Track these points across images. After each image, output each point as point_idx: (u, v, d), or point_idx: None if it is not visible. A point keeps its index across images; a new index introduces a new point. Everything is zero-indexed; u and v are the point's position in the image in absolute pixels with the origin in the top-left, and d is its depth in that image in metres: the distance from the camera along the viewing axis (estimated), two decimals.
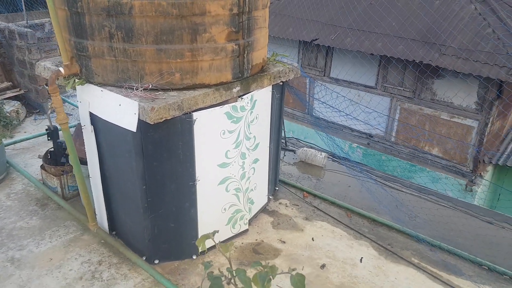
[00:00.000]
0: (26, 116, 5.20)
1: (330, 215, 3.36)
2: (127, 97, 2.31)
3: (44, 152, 3.70)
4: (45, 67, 2.95)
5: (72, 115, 5.37)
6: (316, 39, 6.81)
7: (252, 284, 1.30)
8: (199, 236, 2.78)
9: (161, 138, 2.40)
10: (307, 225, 3.24)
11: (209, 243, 2.93)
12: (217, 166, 2.64)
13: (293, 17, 7.35)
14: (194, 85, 2.46)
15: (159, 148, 2.43)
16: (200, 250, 1.42)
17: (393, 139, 7.07)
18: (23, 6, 6.10)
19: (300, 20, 7.05)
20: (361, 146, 7.19)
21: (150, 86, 2.34)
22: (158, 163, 2.46)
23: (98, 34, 2.35)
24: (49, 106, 2.62)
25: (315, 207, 3.48)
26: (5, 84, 5.31)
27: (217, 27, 2.35)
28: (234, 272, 1.30)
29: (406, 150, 6.92)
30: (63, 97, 5.75)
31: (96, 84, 2.51)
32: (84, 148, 2.86)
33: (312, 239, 3.06)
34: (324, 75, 7.67)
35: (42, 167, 3.54)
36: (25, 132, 4.81)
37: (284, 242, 3.03)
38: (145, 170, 2.45)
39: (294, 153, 4.40)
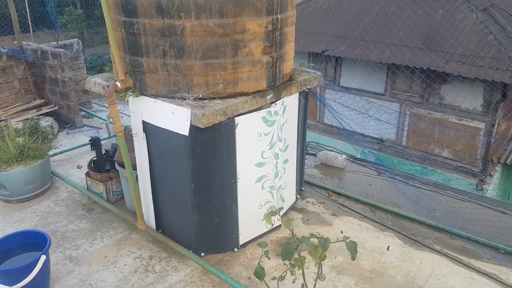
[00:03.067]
0: (58, 131, 5.55)
1: (355, 211, 3.65)
2: (179, 105, 2.65)
3: (88, 161, 4.03)
4: (96, 82, 3.30)
5: (101, 128, 5.73)
6: (326, 50, 7.20)
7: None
8: (239, 230, 3.08)
9: (208, 141, 2.73)
10: (335, 220, 3.53)
11: (247, 237, 3.25)
12: (254, 165, 2.97)
13: (303, 31, 7.75)
14: (235, 94, 2.79)
15: (206, 150, 2.75)
16: (269, 225, 1.72)
17: (404, 143, 7.38)
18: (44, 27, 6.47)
19: (310, 33, 7.46)
20: (373, 151, 7.50)
21: (200, 96, 2.68)
22: (205, 163, 2.78)
23: (153, 52, 2.70)
24: (108, 116, 2.96)
25: (340, 204, 3.78)
26: (39, 101, 5.68)
27: (255, 42, 2.70)
28: (300, 239, 1.60)
29: (417, 153, 7.22)
30: (91, 112, 6.13)
31: (149, 96, 2.85)
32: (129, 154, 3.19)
33: (341, 232, 3.35)
34: (334, 84, 8.04)
35: (87, 174, 3.87)
36: (60, 145, 5.14)
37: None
38: (194, 170, 2.77)
39: (315, 156, 4.71)
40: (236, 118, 2.73)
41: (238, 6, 2.56)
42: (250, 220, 3.13)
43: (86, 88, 3.42)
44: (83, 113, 6.04)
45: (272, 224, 3.21)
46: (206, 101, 2.69)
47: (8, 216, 3.70)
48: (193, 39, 2.61)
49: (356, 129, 6.86)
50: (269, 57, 2.81)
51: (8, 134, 3.96)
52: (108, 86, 3.21)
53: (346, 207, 3.73)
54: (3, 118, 5.20)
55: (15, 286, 2.54)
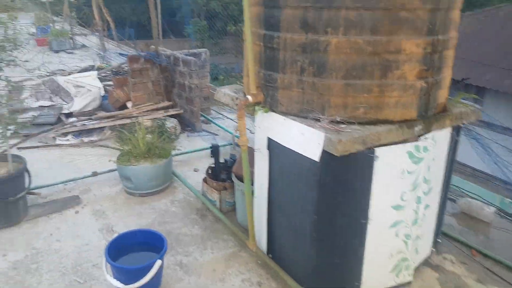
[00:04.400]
0: (180, 133, 5.79)
1: (509, 282, 2.98)
2: (312, 127, 2.41)
3: (205, 166, 4.06)
4: (225, 93, 3.26)
5: (217, 135, 5.83)
6: (467, 78, 6.37)
7: None
8: (362, 279, 2.70)
9: (339, 171, 2.44)
10: None
11: None
12: (391, 207, 2.58)
13: None
14: (376, 120, 2.46)
15: (336, 181, 2.46)
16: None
17: None
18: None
19: None
20: None
21: (337, 119, 2.41)
22: (333, 195, 2.49)
23: (290, 68, 2.52)
24: (235, 130, 2.86)
25: (487, 269, 3.11)
26: (167, 103, 6.02)
27: (409, 64, 2.34)
28: None
29: None
30: (210, 118, 6.30)
31: (279, 113, 2.68)
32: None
33: None
34: None
35: (204, 180, 3.88)
36: (181, 147, 5.33)
37: None
38: (318, 200, 2.50)
39: (454, 202, 4.06)
40: (376, 149, 2.39)
41: (394, 23, 2.24)
42: (377, 269, 2.73)
43: (215, 98, 3.41)
44: (203, 118, 6.23)
45: (402, 279, 2.78)
46: (343, 125, 2.41)
47: (130, 208, 3.88)
48: (337, 56, 2.35)
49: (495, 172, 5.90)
50: (424, 83, 2.41)
51: (140, 132, 4.19)
52: (236, 98, 3.15)
53: (496, 274, 3.06)
54: (135, 115, 5.60)
55: (129, 286, 2.56)
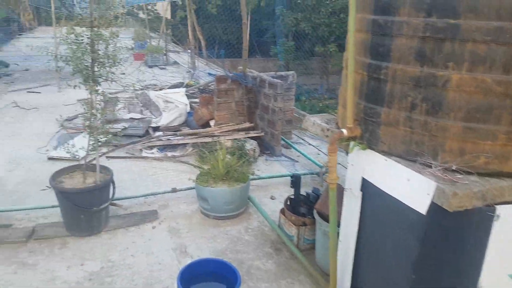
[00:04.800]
0: (259, 155, 5.68)
1: None
2: (421, 173, 2.08)
3: (283, 194, 3.86)
4: (315, 123, 3.04)
5: (297, 162, 5.61)
6: None
7: None
8: None
9: (449, 229, 2.06)
10: None
11: None
12: (508, 276, 2.13)
13: None
14: (500, 173, 2.05)
15: (443, 239, 2.09)
16: None
17: None
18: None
19: None
20: None
21: (453, 167, 2.05)
22: (437, 255, 2.12)
23: (398, 102, 2.23)
24: (324, 164, 2.62)
25: None
26: (248, 124, 5.97)
27: None
28: None
29: None
30: (290, 143, 6.11)
31: (379, 152, 2.38)
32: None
33: None
34: None
35: (282, 212, 3.66)
36: (258, 170, 5.21)
37: None
38: (419, 259, 2.14)
39: None
40: (497, 206, 1.98)
41: None
42: None
43: (303, 126, 3.21)
44: (283, 142, 6.07)
45: None
46: (459, 175, 2.04)
47: (204, 230, 3.80)
48: (458, 95, 2.01)
49: None
50: None
51: (220, 153, 4.14)
52: (327, 129, 2.91)
53: None
54: (217, 134, 5.62)
55: None
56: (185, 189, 4.43)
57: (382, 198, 2.33)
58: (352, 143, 2.53)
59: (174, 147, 5.71)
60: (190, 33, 10.61)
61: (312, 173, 4.96)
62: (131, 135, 6.11)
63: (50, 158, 5.40)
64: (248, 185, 4.11)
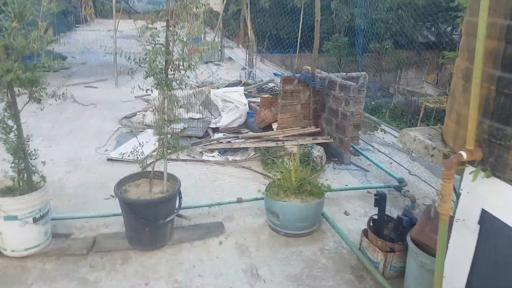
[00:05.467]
0: (325, 163, 5.36)
1: None
2: None
3: (360, 210, 3.54)
4: (416, 138, 2.69)
5: (368, 171, 5.24)
6: None
7: None
8: None
9: None
10: None
11: None
12: None
13: None
14: None
15: None
16: None
17: None
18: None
19: None
20: None
21: None
22: None
23: None
24: (438, 193, 2.29)
25: None
26: (314, 129, 5.67)
27: None
28: None
29: None
30: (359, 150, 5.74)
31: (507, 181, 2.01)
32: (434, 236, 2.44)
33: None
34: None
35: (364, 233, 3.34)
36: (326, 180, 4.90)
37: None
38: None
39: None
40: None
41: None
42: None
43: (400, 142, 2.87)
44: (351, 149, 5.72)
45: None
46: None
47: (274, 249, 3.56)
48: None
49: None
50: None
51: (292, 163, 3.88)
52: (433, 148, 2.56)
53: None
54: (281, 139, 5.37)
55: None
56: (251, 200, 4.23)
57: (508, 236, 1.97)
58: (474, 170, 2.16)
59: (235, 150, 5.54)
60: (249, 28, 10.40)
61: (389, 187, 4.58)
62: (190, 136, 6.02)
63: (109, 159, 5.33)
64: (323, 200, 3.81)
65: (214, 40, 12.87)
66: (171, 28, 3.19)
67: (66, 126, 6.73)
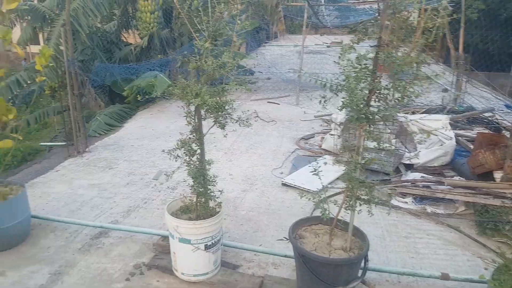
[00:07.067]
0: None
1: None
2: None
3: None
4: None
5: None
6: None
7: None
8: None
9: None
10: None
11: None
12: None
13: None
14: None
15: None
16: None
17: None
18: None
19: None
20: None
21: None
22: None
23: None
24: None
25: None
26: None
27: None
28: None
29: None
30: None
31: None
32: None
33: None
34: None
35: None
36: None
37: None
38: None
39: None
40: None
41: None
42: None
43: None
44: None
45: None
46: None
47: None
48: None
49: None
50: None
51: None
52: None
53: None
54: (510, 196, 4.11)
55: None
56: (462, 280, 3.21)
57: None
58: None
59: (436, 199, 4.52)
60: (461, 42, 8.91)
61: None
62: (376, 171, 5.26)
63: (284, 184, 5.19)
64: None
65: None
66: (382, 49, 2.57)
67: (247, 141, 7.00)
